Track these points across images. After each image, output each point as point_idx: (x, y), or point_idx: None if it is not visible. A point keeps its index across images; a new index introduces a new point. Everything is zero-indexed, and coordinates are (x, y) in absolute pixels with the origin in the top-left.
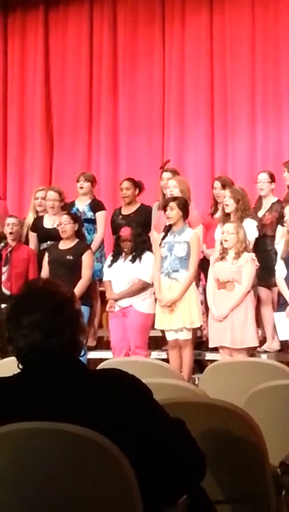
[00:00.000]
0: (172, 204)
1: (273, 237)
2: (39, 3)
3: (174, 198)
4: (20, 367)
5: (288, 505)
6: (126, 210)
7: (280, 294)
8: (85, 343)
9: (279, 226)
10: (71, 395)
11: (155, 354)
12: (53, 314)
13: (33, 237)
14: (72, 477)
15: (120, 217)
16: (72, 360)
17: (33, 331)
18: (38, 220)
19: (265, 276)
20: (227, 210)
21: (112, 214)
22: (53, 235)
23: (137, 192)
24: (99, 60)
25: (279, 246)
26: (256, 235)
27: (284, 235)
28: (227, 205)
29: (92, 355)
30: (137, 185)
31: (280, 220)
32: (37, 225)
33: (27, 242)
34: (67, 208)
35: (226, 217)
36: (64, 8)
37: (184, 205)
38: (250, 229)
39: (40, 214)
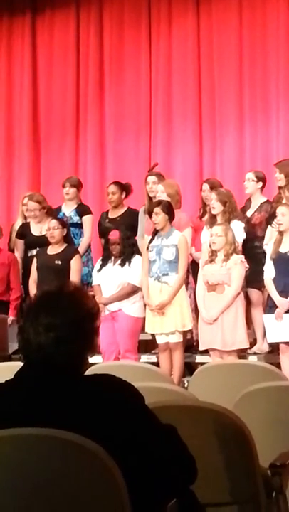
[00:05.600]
0: (157, 209)
1: (263, 237)
2: (25, 8)
3: (158, 203)
4: (16, 370)
5: (278, 506)
6: (113, 214)
7: (269, 296)
8: None
9: (269, 227)
10: (63, 401)
11: (145, 358)
12: (71, 324)
13: (19, 244)
14: (61, 483)
15: (107, 220)
16: (70, 369)
17: (47, 332)
18: (25, 227)
19: (255, 277)
20: (214, 212)
21: (99, 217)
22: (42, 242)
23: (124, 195)
24: (86, 64)
25: (268, 246)
26: (244, 236)
27: (273, 235)
28: (214, 207)
29: None
30: (124, 188)
31: (269, 220)
32: (24, 231)
33: (14, 248)
34: (53, 213)
35: (213, 219)
36: (50, 12)
37: (168, 209)
38: (238, 230)
39: (29, 220)
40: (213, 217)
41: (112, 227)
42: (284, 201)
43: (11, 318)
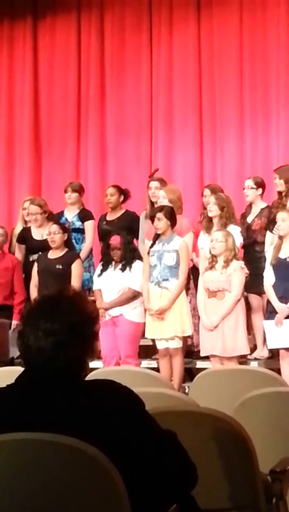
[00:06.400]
0: (159, 215)
1: (263, 243)
2: (26, 13)
3: (160, 208)
4: (17, 374)
5: None
6: (110, 216)
7: (268, 302)
8: None
9: (268, 232)
10: (63, 406)
11: (145, 363)
12: (71, 329)
13: (20, 248)
14: (61, 488)
15: (104, 222)
16: (70, 374)
17: (47, 336)
18: (26, 232)
19: (255, 283)
20: (210, 215)
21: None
22: (44, 247)
23: (121, 199)
24: (87, 69)
25: (268, 253)
26: (241, 240)
27: (274, 240)
28: (211, 210)
29: None
30: (122, 192)
31: (268, 225)
32: (25, 236)
33: (14, 253)
34: (56, 217)
35: (209, 223)
36: (52, 17)
37: (170, 214)
38: (234, 235)
39: (29, 224)
40: (210, 221)
41: (110, 229)
42: (288, 206)
43: (15, 322)
